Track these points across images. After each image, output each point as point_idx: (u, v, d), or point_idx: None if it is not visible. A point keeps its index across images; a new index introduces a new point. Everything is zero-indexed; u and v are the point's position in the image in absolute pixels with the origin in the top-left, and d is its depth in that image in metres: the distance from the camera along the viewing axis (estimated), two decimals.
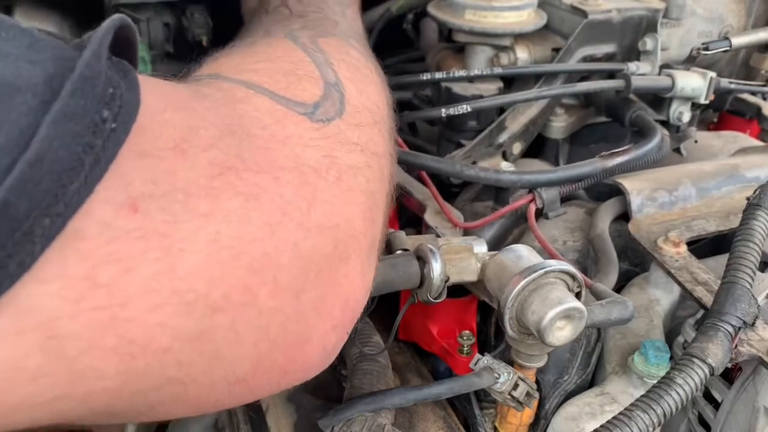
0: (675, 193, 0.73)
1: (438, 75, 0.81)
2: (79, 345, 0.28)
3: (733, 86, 0.92)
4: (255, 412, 0.66)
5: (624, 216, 0.73)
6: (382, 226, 0.48)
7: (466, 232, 0.73)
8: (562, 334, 0.52)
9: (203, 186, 0.32)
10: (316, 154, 0.40)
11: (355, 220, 0.42)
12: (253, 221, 0.34)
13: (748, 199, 0.61)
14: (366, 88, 0.50)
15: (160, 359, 0.31)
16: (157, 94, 0.34)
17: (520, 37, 0.84)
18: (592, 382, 0.69)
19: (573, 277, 0.54)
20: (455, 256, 0.59)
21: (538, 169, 0.84)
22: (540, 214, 0.74)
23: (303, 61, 0.48)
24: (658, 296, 0.70)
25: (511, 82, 0.85)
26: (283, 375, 0.39)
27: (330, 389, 0.66)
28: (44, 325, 0.27)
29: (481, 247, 0.61)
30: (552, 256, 0.66)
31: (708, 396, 0.64)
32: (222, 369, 0.34)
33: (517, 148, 0.84)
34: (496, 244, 0.75)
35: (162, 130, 0.32)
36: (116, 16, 0.32)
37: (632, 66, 0.84)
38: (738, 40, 0.92)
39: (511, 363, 0.58)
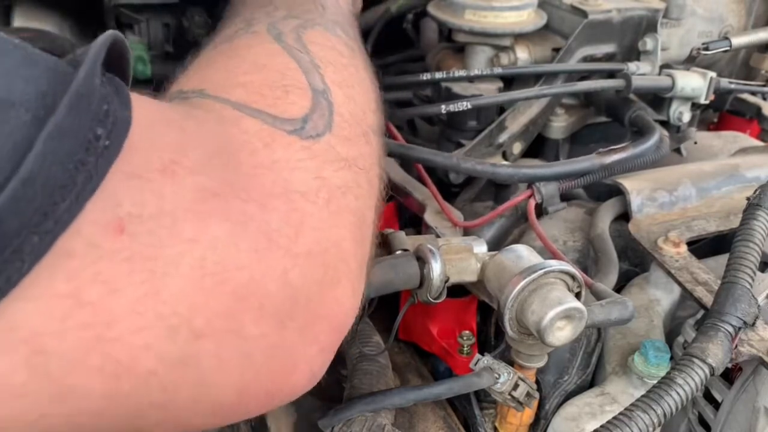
0: (675, 193, 0.73)
1: (438, 75, 0.81)
2: (64, 363, 0.28)
3: (733, 86, 0.92)
4: None
5: (624, 216, 0.73)
6: (372, 241, 0.47)
7: (466, 232, 0.73)
8: (562, 334, 0.52)
9: (190, 210, 0.32)
10: (305, 177, 0.39)
11: (344, 243, 0.41)
12: (239, 248, 0.33)
13: (748, 199, 0.61)
14: (353, 91, 0.49)
15: (144, 382, 0.30)
16: (147, 112, 0.33)
17: (520, 37, 0.84)
18: (592, 382, 0.69)
19: (573, 277, 0.54)
20: (455, 256, 0.59)
21: (535, 164, 0.84)
22: (540, 209, 0.74)
23: (288, 67, 0.46)
24: (658, 296, 0.70)
25: (511, 82, 0.85)
26: (269, 399, 0.39)
27: (330, 389, 0.66)
28: (30, 341, 0.27)
29: (480, 247, 0.61)
30: (552, 253, 0.66)
31: (708, 396, 0.64)
32: (206, 396, 0.34)
33: (517, 148, 0.84)
34: (495, 245, 0.75)
35: (152, 150, 0.32)
36: (109, 32, 0.32)
37: (632, 66, 0.84)
38: (738, 40, 0.92)
39: (511, 363, 0.58)
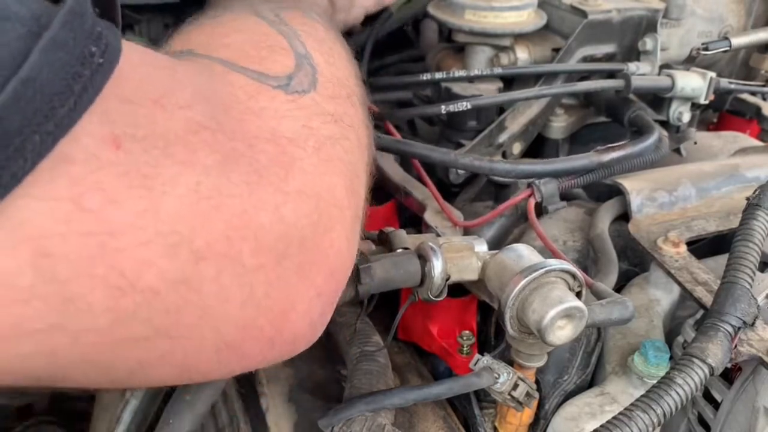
0: (675, 193, 0.73)
1: (438, 75, 0.81)
2: (70, 268, 0.28)
3: (733, 86, 0.92)
4: (254, 408, 0.66)
5: (624, 216, 0.73)
6: (364, 198, 0.48)
7: (466, 232, 0.73)
8: (562, 333, 0.52)
9: (181, 138, 0.32)
10: (294, 125, 0.40)
11: (336, 190, 0.41)
12: (231, 179, 0.34)
13: (748, 199, 0.61)
14: (334, 60, 0.50)
15: (148, 301, 0.31)
16: (136, 54, 0.34)
17: (520, 37, 0.84)
18: (592, 382, 0.69)
19: (574, 276, 0.54)
20: (456, 254, 0.59)
21: (533, 160, 0.84)
22: (539, 209, 0.74)
23: (270, 33, 0.47)
24: (658, 296, 0.70)
25: (511, 82, 0.85)
26: (271, 345, 0.39)
27: (330, 389, 0.66)
28: (36, 242, 0.27)
29: (481, 246, 0.61)
30: (552, 253, 0.66)
31: (708, 396, 0.64)
32: (210, 328, 0.35)
33: (516, 148, 0.84)
34: (496, 245, 0.75)
35: (141, 81, 0.32)
36: None
37: (632, 66, 0.84)
38: (738, 40, 0.92)
39: (511, 363, 0.58)
